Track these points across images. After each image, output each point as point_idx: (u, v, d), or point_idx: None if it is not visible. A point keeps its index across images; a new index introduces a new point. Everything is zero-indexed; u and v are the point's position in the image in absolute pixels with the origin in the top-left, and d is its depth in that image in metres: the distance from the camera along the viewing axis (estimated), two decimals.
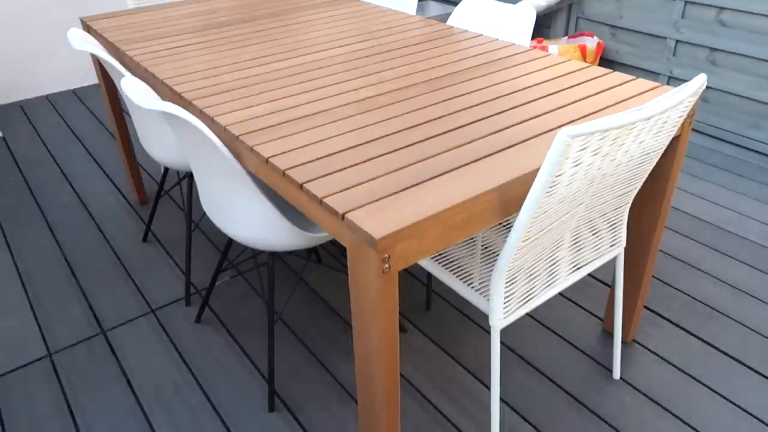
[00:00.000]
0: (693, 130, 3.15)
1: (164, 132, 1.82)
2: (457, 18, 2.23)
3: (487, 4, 2.16)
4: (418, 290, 2.08)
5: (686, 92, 1.11)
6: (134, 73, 1.90)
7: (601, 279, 2.11)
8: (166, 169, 2.09)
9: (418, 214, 1.01)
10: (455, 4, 4.30)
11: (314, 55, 1.83)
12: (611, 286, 1.69)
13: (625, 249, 1.71)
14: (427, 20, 2.16)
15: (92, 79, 4.04)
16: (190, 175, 1.96)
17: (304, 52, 1.87)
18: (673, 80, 3.22)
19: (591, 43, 3.40)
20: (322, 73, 1.68)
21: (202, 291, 2.10)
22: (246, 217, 1.43)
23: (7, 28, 3.63)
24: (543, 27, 3.91)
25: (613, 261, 2.13)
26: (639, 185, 1.38)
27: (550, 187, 1.04)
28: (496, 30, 2.13)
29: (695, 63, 3.08)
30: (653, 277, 2.11)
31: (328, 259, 2.25)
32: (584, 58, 3.41)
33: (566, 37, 3.61)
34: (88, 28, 2.24)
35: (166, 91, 1.66)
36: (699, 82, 1.14)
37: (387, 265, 0.99)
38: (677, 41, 3.12)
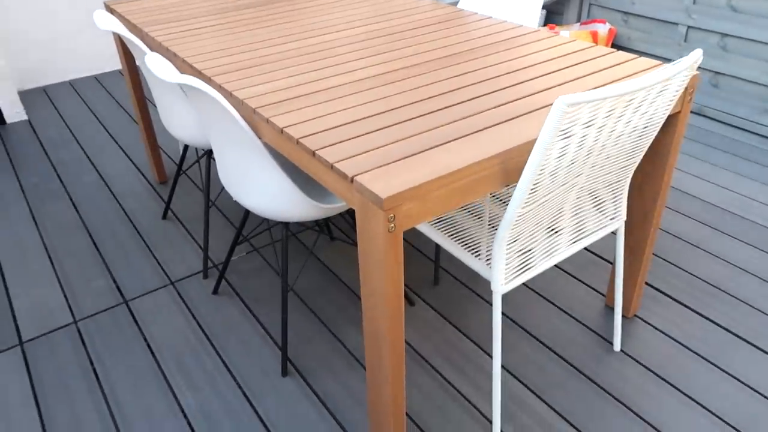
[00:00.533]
0: (703, 116, 3.17)
1: (184, 109, 1.90)
2: (468, 1, 2.29)
3: None
4: (426, 266, 2.14)
5: (681, 66, 1.16)
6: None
7: (604, 257, 2.16)
8: (185, 150, 2.18)
9: (422, 177, 1.07)
10: None
11: (328, 36, 1.89)
12: (613, 263, 1.75)
13: (627, 225, 1.77)
14: (437, 3, 2.21)
15: (114, 65, 4.14)
16: (207, 154, 2.04)
17: (319, 33, 1.93)
18: None
19: (603, 29, 3.42)
20: (335, 52, 1.75)
21: (219, 265, 2.18)
22: (261, 188, 1.50)
23: (32, 16, 3.74)
24: (555, 14, 3.94)
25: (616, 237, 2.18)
26: (638, 160, 1.43)
27: (548, 155, 1.10)
28: (505, 13, 2.18)
29: (706, 49, 3.10)
30: (655, 255, 2.16)
31: (340, 238, 2.32)
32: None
33: (578, 23, 3.63)
34: (111, 11, 2.33)
35: (187, 69, 1.74)
36: (695, 56, 1.19)
37: (392, 225, 1.05)
38: (689, 27, 3.14)
